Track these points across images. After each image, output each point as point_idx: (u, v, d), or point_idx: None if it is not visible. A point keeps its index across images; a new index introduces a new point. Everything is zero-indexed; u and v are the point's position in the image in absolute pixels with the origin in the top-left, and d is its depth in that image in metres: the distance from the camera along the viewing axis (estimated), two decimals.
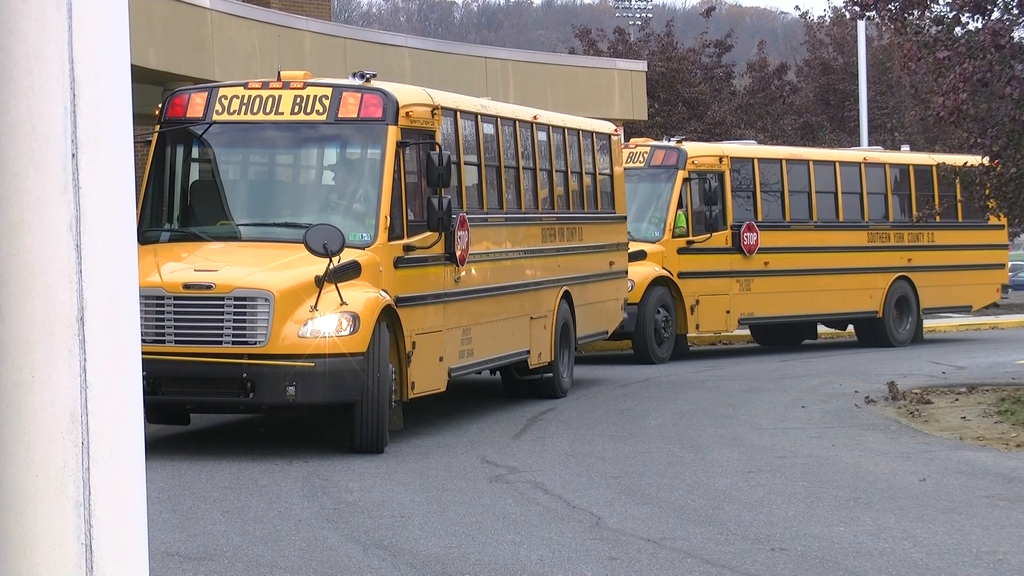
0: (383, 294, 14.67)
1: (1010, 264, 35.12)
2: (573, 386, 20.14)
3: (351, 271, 14.40)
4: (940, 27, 19.21)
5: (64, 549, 4.56)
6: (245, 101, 15.60)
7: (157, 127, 15.86)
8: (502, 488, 12.55)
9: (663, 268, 24.93)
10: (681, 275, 25.14)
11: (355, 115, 15.43)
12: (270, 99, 15.56)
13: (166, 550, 9.98)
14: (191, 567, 9.61)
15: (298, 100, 15.49)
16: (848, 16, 35.28)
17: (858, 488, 12.41)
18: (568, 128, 20.55)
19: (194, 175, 16.24)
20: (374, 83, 15.71)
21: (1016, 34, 18.85)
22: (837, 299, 27.72)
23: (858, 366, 24.09)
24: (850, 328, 29.72)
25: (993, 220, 28.98)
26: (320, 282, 14.07)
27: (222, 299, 14.09)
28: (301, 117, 15.50)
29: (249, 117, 15.60)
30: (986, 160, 20.17)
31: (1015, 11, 19.03)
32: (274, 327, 14.00)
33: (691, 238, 25.31)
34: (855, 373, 22.60)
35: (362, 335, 14.15)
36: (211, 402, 14.75)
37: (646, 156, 25.89)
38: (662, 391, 20.31)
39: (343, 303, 14.09)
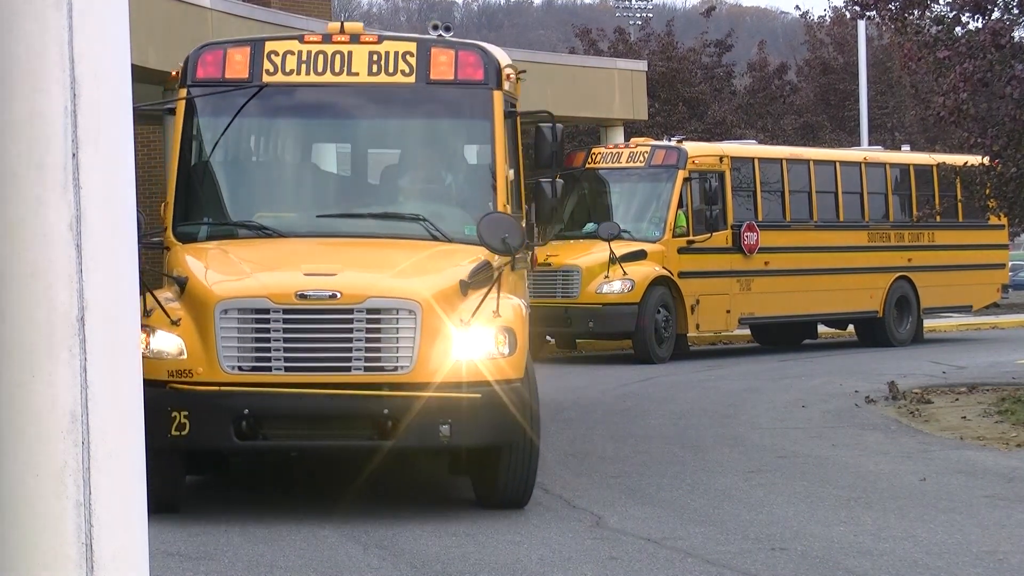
0: (522, 303, 11.73)
1: (1010, 264, 35.09)
2: (574, 386, 20.10)
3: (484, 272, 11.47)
4: (940, 27, 19.19)
5: (64, 549, 4.56)
6: (303, 58, 12.28)
7: (183, 91, 12.35)
8: None
9: (663, 268, 24.92)
10: (681, 275, 25.12)
11: (451, 77, 12.28)
12: (337, 56, 12.27)
13: (166, 550, 9.97)
14: (191, 567, 9.60)
15: (375, 57, 12.24)
16: (848, 16, 35.27)
17: (858, 488, 12.40)
18: None
19: (245, 152, 12.91)
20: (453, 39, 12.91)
21: (1016, 34, 18.83)
22: (837, 299, 27.71)
23: (858, 366, 24.07)
24: (850, 328, 29.71)
25: (993, 220, 28.96)
26: (465, 288, 11.11)
27: (351, 311, 10.75)
28: (383, 79, 12.24)
29: (313, 78, 12.27)
30: (986, 160, 20.15)
31: (1015, 11, 19.02)
32: (421, 347, 10.78)
33: (691, 238, 25.29)
34: (855, 373, 22.58)
35: (519, 356, 11.05)
36: (336, 447, 11.35)
37: (646, 156, 25.89)
38: (662, 391, 20.29)
39: (497, 314, 10.95)
